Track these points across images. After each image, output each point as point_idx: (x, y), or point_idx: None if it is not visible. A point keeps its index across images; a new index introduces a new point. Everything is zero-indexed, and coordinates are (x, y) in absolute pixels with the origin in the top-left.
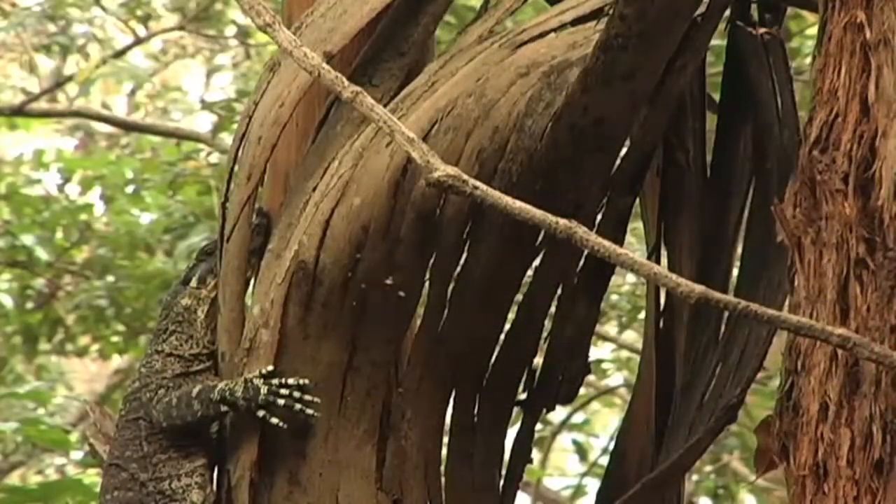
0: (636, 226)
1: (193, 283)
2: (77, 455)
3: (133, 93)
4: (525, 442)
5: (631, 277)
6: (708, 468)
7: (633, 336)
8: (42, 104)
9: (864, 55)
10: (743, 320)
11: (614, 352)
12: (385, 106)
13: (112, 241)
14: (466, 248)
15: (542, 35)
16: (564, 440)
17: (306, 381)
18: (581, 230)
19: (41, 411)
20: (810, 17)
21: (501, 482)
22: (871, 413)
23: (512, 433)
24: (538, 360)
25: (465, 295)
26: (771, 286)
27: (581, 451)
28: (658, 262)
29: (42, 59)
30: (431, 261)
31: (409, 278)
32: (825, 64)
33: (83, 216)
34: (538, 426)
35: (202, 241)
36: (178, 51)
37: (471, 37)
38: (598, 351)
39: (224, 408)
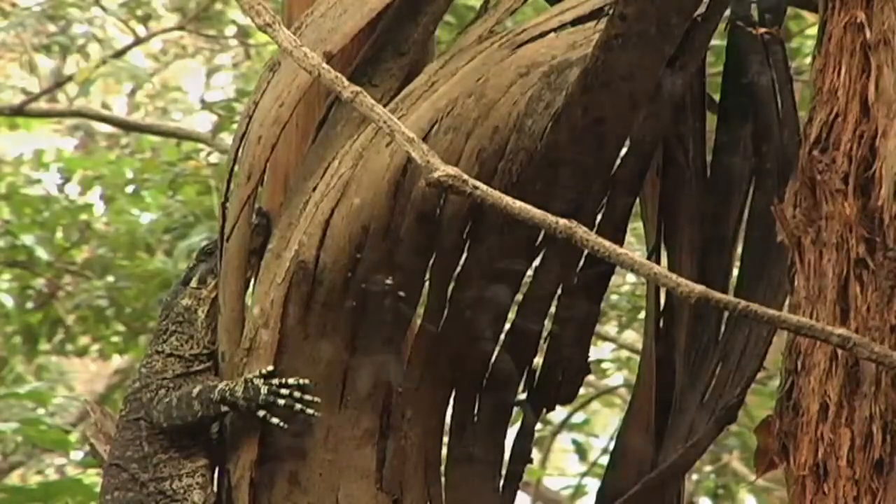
0: (636, 226)
1: (193, 283)
2: (77, 455)
3: (133, 93)
4: (525, 442)
5: (631, 277)
6: (708, 468)
7: (633, 336)
8: (42, 104)
9: (864, 55)
10: (743, 320)
11: (614, 352)
12: (385, 106)
13: (112, 241)
14: (466, 248)
15: (542, 35)
16: (564, 440)
17: (306, 381)
18: (581, 230)
19: (41, 411)
20: (810, 17)
21: (501, 482)
22: (871, 413)
23: (512, 433)
24: (538, 360)
25: (465, 295)
26: (771, 286)
27: (581, 451)
28: (658, 262)
29: (42, 59)
30: (431, 261)
31: (409, 278)
32: (825, 64)
33: (83, 216)
34: (538, 426)
35: (202, 241)
36: (178, 51)
37: (471, 37)
38: (598, 351)
39: (224, 408)
